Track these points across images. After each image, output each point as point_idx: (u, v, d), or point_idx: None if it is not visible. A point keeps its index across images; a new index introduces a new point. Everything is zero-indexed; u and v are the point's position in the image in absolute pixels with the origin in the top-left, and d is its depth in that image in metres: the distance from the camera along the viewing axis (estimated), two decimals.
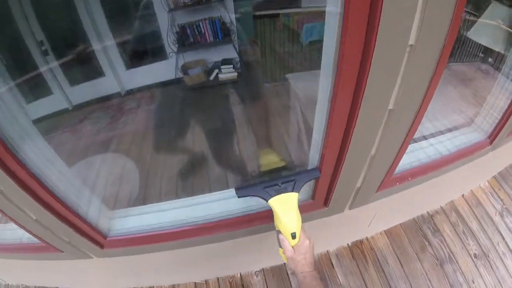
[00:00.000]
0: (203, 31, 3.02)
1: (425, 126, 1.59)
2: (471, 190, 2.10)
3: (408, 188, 1.23)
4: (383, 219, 1.68)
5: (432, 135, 1.47)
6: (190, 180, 2.26)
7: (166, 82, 3.23)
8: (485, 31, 2.13)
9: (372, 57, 0.58)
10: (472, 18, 2.30)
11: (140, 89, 3.22)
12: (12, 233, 1.29)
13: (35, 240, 1.15)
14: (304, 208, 1.09)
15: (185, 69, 3.12)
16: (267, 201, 0.88)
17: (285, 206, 0.86)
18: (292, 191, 0.88)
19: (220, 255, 1.48)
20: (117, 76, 3.19)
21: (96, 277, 1.72)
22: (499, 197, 2.07)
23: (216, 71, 3.13)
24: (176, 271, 1.66)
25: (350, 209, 1.18)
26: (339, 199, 1.06)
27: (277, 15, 3.17)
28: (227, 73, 3.15)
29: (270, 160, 1.81)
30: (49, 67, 2.92)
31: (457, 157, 1.31)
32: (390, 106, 0.71)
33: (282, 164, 1.72)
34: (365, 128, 0.75)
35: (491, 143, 1.39)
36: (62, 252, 1.18)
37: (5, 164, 0.73)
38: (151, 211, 1.22)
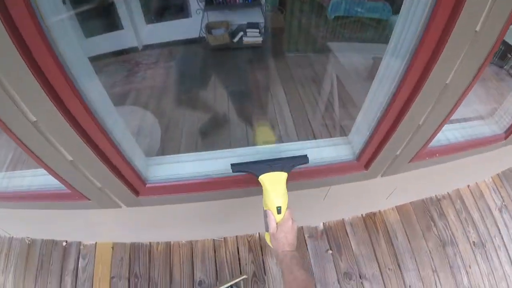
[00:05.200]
0: None
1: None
2: (476, 182, 2.33)
3: (433, 165, 1.42)
4: (399, 194, 1.88)
5: (457, 121, 1.67)
6: (209, 136, 2.43)
7: (187, 40, 3.35)
8: None
9: (447, 41, 0.74)
10: None
11: (159, 45, 3.33)
12: (29, 180, 1.30)
13: (58, 187, 1.13)
14: (345, 168, 1.28)
15: (209, 28, 3.24)
16: (257, 177, 0.99)
17: (274, 182, 0.97)
18: (282, 171, 1.00)
19: (241, 213, 1.63)
20: (136, 31, 3.27)
21: (111, 229, 1.82)
22: (500, 194, 2.31)
23: (241, 33, 3.26)
24: (195, 227, 1.81)
25: (382, 176, 1.37)
26: (379, 164, 1.24)
27: None
28: (253, 37, 3.30)
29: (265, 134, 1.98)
30: (65, 16, 2.97)
31: (476, 144, 1.50)
32: (447, 81, 0.89)
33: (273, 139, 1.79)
34: (422, 101, 0.91)
35: (506, 137, 1.57)
36: (89, 200, 1.20)
37: (50, 84, 0.68)
38: (188, 160, 1.30)
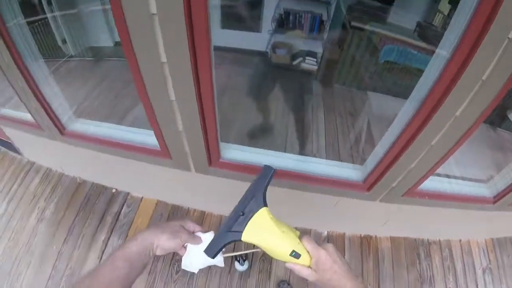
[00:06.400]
0: (303, 22, 3.67)
1: (450, 168, 2.11)
2: (468, 239, 2.61)
3: (423, 205, 1.83)
4: (394, 226, 2.28)
5: (455, 177, 2.02)
6: (255, 138, 2.91)
7: (253, 51, 3.90)
8: None
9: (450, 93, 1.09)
10: None
11: (227, 49, 3.89)
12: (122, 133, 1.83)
13: (151, 143, 1.64)
14: (353, 185, 1.72)
15: (274, 47, 3.77)
16: (241, 240, 0.76)
17: (262, 230, 0.75)
18: (258, 209, 0.77)
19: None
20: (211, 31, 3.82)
21: (165, 188, 2.28)
22: (489, 256, 2.56)
23: (300, 59, 3.79)
24: (230, 203, 2.25)
25: (380, 201, 1.79)
26: (378, 190, 1.67)
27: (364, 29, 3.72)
28: (310, 64, 3.83)
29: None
30: None
31: (465, 199, 1.87)
32: (432, 143, 1.30)
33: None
34: (417, 147, 1.33)
35: (494, 202, 1.90)
36: (171, 159, 1.68)
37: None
38: (251, 151, 1.78)
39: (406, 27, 3.82)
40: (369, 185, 1.69)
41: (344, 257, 0.71)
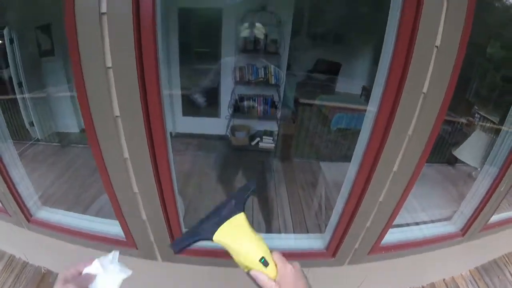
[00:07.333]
0: (256, 105, 4.02)
1: (414, 215, 2.25)
2: (452, 276, 2.58)
3: (392, 258, 1.89)
4: (373, 285, 2.29)
5: (417, 224, 2.12)
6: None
7: (214, 136, 4.19)
8: (468, 153, 2.87)
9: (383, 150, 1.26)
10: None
11: (189, 135, 4.17)
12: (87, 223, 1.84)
13: (116, 233, 1.66)
14: (317, 256, 1.79)
15: (233, 130, 4.04)
16: (212, 240, 0.75)
17: (237, 232, 0.75)
18: (237, 212, 0.77)
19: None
20: (174, 118, 4.16)
21: (129, 281, 2.20)
22: (478, 286, 2.52)
23: (258, 139, 4.10)
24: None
25: (349, 264, 1.84)
26: (344, 253, 1.74)
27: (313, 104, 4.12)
28: (267, 143, 4.15)
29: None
30: None
31: (432, 241, 1.95)
32: (380, 199, 1.44)
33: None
34: (367, 206, 1.46)
35: (463, 235, 2.00)
36: (137, 249, 1.70)
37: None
38: None
39: (353, 93, 4.24)
40: (333, 251, 1.77)
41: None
